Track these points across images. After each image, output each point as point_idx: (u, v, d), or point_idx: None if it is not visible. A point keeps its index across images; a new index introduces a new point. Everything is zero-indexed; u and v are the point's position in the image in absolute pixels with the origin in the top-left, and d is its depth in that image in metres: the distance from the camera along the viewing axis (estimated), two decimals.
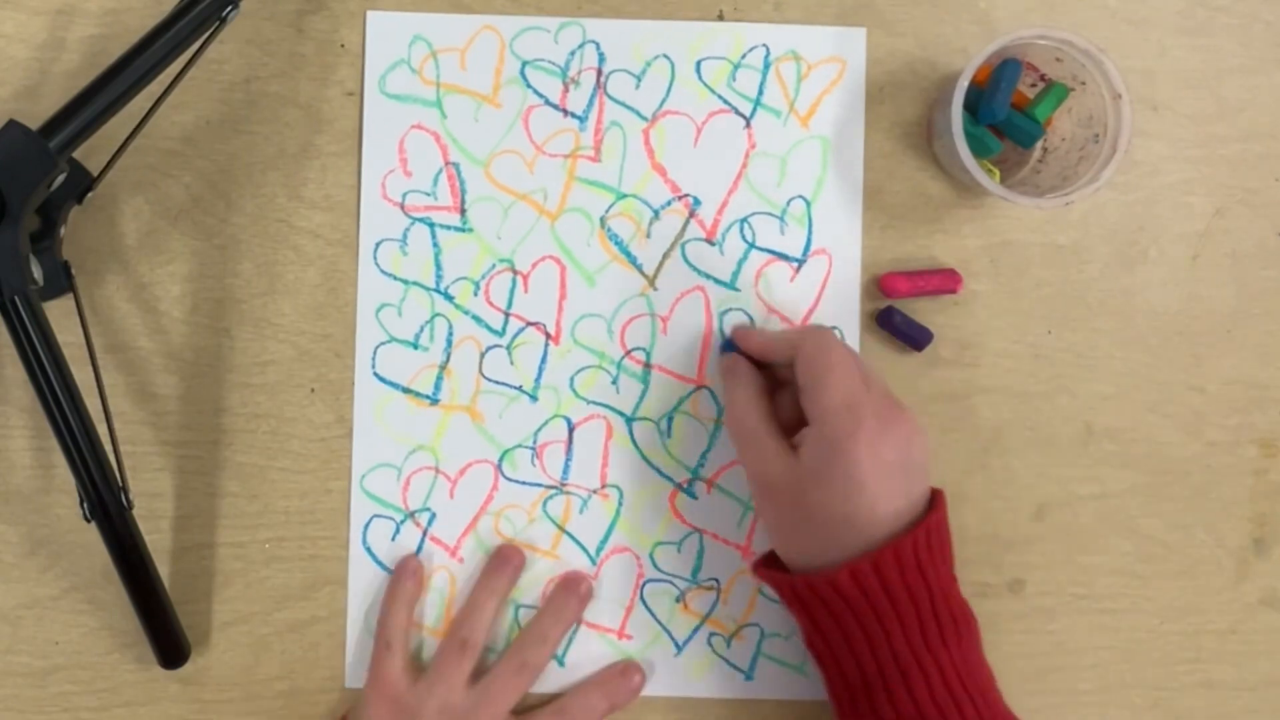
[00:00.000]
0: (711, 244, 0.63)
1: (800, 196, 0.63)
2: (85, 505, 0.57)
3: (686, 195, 0.63)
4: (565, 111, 0.63)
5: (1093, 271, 0.64)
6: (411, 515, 0.63)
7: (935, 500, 0.56)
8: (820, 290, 0.63)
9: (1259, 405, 0.65)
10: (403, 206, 0.63)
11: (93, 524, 0.57)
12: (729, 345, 0.62)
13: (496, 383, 0.63)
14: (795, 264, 0.63)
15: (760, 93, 0.64)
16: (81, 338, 0.59)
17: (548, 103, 0.63)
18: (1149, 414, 0.65)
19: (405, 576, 0.62)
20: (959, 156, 0.58)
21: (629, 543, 0.63)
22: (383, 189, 0.63)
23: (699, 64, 0.63)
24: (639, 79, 0.63)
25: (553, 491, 0.63)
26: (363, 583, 0.63)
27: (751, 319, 0.63)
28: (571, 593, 0.62)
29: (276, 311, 0.63)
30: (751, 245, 0.63)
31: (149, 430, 0.63)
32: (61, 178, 0.56)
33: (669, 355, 0.63)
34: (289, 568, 0.63)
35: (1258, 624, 0.65)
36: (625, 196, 0.63)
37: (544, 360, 0.63)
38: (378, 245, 0.63)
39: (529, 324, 0.63)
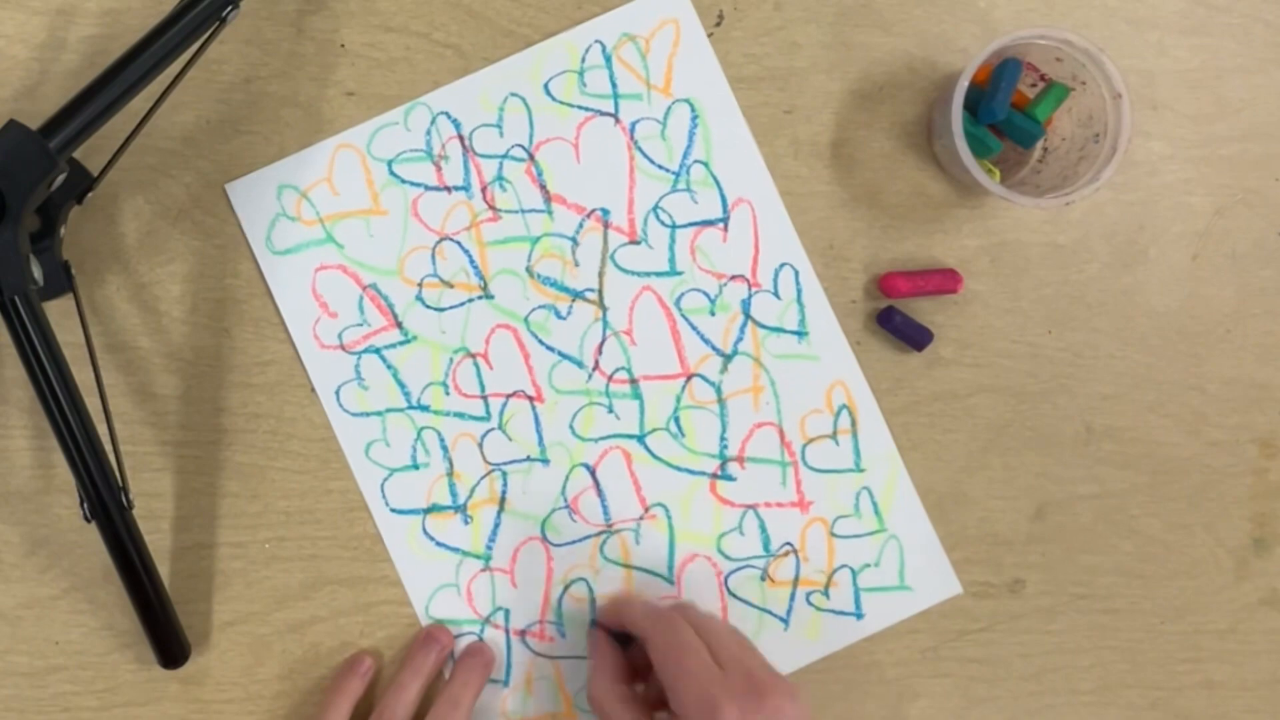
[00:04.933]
0: (637, 244, 0.63)
1: (697, 161, 0.63)
2: (85, 505, 0.57)
3: (594, 210, 0.63)
4: (448, 188, 0.63)
5: (1093, 271, 0.64)
6: (487, 620, 0.63)
7: None
8: (754, 237, 0.63)
9: (1259, 405, 0.65)
10: (343, 347, 0.63)
11: (93, 524, 0.57)
12: (594, 623, 0.63)
13: (505, 464, 0.63)
14: (721, 224, 0.64)
15: (614, 85, 0.63)
16: (81, 338, 0.59)
17: (428, 188, 0.63)
18: (1149, 414, 0.65)
19: (353, 675, 0.62)
20: (959, 156, 0.58)
21: (695, 548, 0.64)
22: (317, 340, 0.63)
23: (545, 85, 0.63)
24: (500, 127, 0.63)
25: (604, 536, 0.63)
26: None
27: (706, 293, 0.63)
28: (477, 659, 0.62)
29: (277, 311, 0.63)
30: (673, 226, 0.63)
31: (149, 430, 0.63)
32: (61, 178, 0.56)
33: (648, 362, 0.63)
34: (289, 568, 0.63)
35: (1258, 624, 0.65)
36: (540, 238, 0.63)
37: (538, 422, 0.63)
38: (337, 391, 0.63)
39: (509, 396, 0.63)
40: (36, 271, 0.56)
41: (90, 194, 0.60)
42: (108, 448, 0.57)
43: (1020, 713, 0.64)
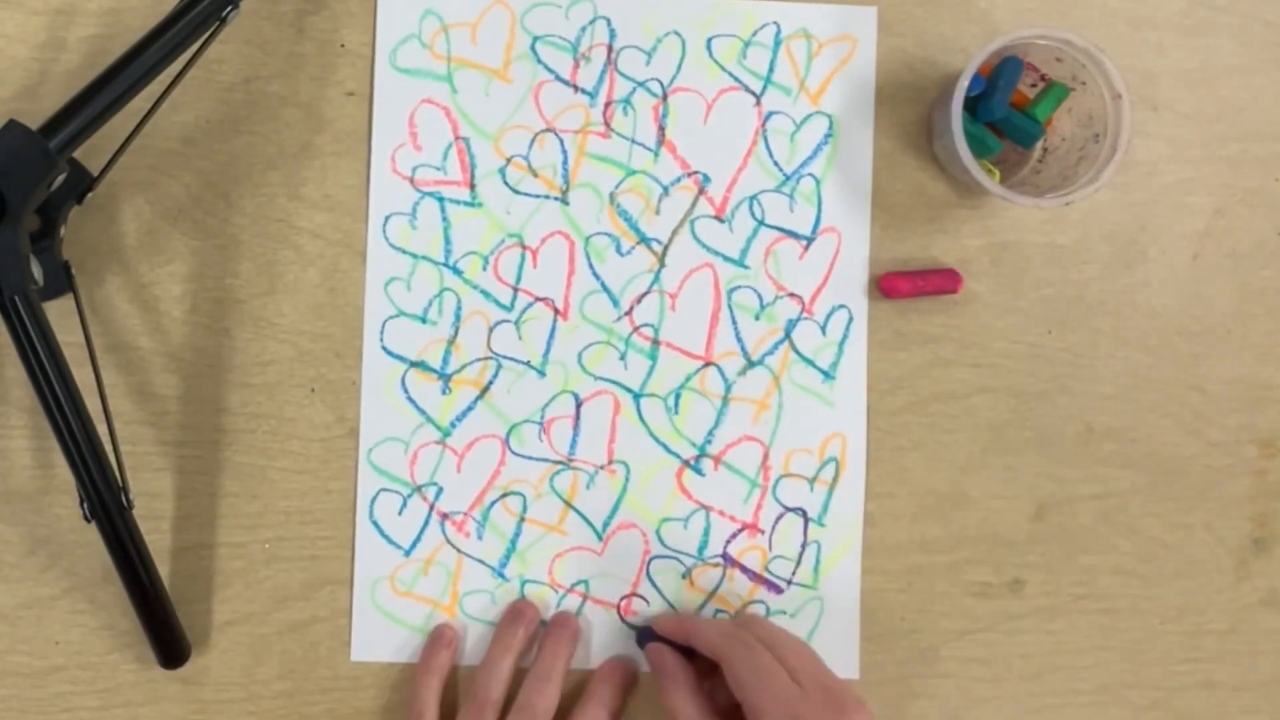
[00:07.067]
0: (721, 221, 0.64)
1: (810, 174, 0.64)
2: (85, 505, 0.57)
3: (696, 172, 0.64)
4: (576, 87, 0.63)
5: (1093, 271, 0.64)
6: (418, 489, 0.63)
7: None
8: (829, 268, 0.64)
9: (1259, 405, 0.65)
10: (412, 180, 0.63)
11: (93, 524, 0.57)
12: (647, 633, 0.62)
13: (505, 358, 0.63)
14: (805, 242, 0.64)
15: (771, 70, 0.64)
16: (81, 338, 0.59)
17: (558, 78, 0.63)
18: (1149, 414, 0.65)
19: (440, 648, 0.62)
20: (959, 156, 0.58)
21: (635, 519, 0.64)
22: (392, 163, 0.63)
23: (709, 41, 0.64)
24: (650, 55, 0.63)
25: (560, 467, 0.64)
26: (369, 556, 0.63)
27: (760, 296, 0.63)
28: (565, 629, 0.62)
29: (276, 311, 0.63)
30: (761, 223, 0.64)
31: (149, 430, 0.63)
32: (61, 178, 0.56)
33: (677, 332, 0.64)
34: (289, 568, 0.63)
35: (1258, 624, 0.65)
36: (635, 173, 0.64)
37: (552, 336, 0.63)
38: (387, 219, 0.63)
39: (537, 299, 0.63)
40: (36, 271, 0.56)
41: (90, 194, 0.60)
42: (108, 448, 0.57)
43: (1020, 713, 0.64)
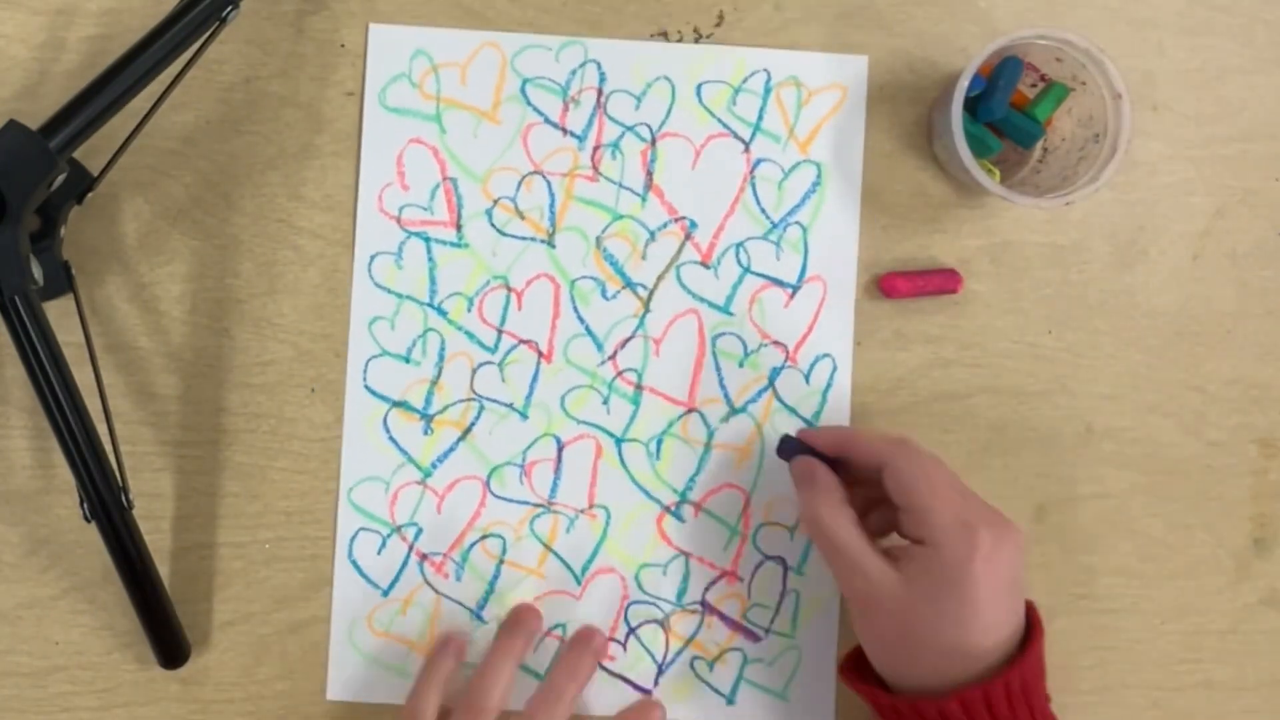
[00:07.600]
0: (707, 267, 0.63)
1: (797, 222, 0.63)
2: (85, 505, 0.57)
3: (683, 218, 0.63)
4: (565, 130, 0.63)
5: (1093, 271, 0.64)
6: (398, 529, 0.63)
7: (1034, 621, 0.55)
8: (815, 317, 0.63)
9: (1259, 405, 0.65)
10: (399, 220, 0.63)
11: (93, 524, 0.57)
12: (791, 443, 0.60)
13: (487, 399, 0.63)
14: (790, 290, 0.63)
15: (760, 117, 0.64)
16: (81, 338, 0.59)
17: (547, 121, 0.63)
18: (1149, 414, 0.65)
19: (446, 655, 0.61)
20: (959, 156, 0.58)
21: (615, 564, 0.63)
22: (379, 202, 0.63)
23: (699, 87, 0.63)
24: (639, 100, 0.63)
25: (540, 510, 0.63)
26: (347, 595, 0.63)
27: (745, 343, 0.63)
28: (586, 647, 0.62)
29: (276, 311, 0.63)
30: (747, 270, 0.63)
31: (149, 430, 0.63)
32: (61, 178, 0.57)
33: (661, 377, 0.63)
34: (289, 568, 0.63)
35: (1258, 624, 0.65)
36: (622, 217, 0.63)
37: (535, 378, 0.63)
38: (373, 258, 0.63)
39: (521, 341, 0.63)
40: (36, 271, 0.56)
41: (90, 194, 0.60)
42: (108, 448, 0.57)
43: None
